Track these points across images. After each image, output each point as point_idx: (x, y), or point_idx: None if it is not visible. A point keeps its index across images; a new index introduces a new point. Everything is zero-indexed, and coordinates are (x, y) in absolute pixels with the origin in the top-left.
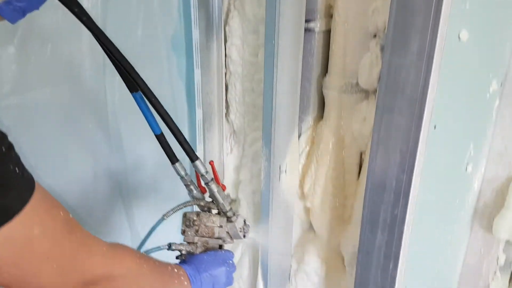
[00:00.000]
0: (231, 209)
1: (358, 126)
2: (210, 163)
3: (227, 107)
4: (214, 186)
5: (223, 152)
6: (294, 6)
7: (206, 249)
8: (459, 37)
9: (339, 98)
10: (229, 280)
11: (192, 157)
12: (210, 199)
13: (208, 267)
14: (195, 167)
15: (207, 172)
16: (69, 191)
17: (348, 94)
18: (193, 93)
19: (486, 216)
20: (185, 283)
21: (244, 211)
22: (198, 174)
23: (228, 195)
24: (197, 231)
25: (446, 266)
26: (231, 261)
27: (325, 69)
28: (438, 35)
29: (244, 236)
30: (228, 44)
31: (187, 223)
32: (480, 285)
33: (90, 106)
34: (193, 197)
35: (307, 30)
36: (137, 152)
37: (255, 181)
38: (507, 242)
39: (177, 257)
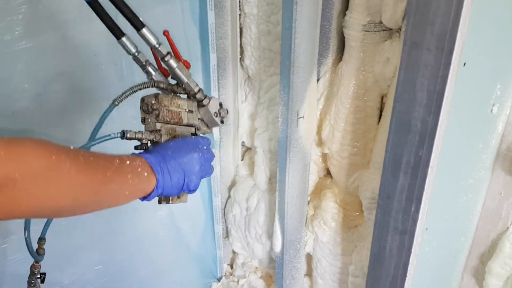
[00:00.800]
0: (200, 90)
1: (380, 67)
2: (164, 33)
3: (242, 51)
4: (172, 62)
5: (238, 99)
6: None
7: (174, 137)
8: None
9: (361, 38)
10: (205, 169)
11: (136, 24)
12: (174, 82)
13: (176, 153)
14: (143, 37)
15: (160, 44)
16: None
17: (370, 33)
18: (206, 36)
19: (509, 159)
20: (145, 173)
21: (261, 158)
22: (157, 57)
23: (190, 75)
24: (157, 116)
25: (466, 209)
26: (205, 147)
27: (345, 7)
28: None
29: (222, 122)
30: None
31: (145, 108)
32: (499, 227)
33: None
34: (154, 80)
35: None
36: None
37: (271, 128)
38: None
39: (136, 147)
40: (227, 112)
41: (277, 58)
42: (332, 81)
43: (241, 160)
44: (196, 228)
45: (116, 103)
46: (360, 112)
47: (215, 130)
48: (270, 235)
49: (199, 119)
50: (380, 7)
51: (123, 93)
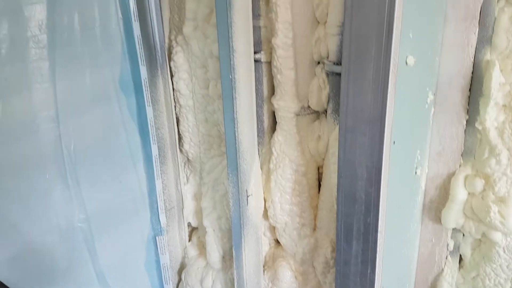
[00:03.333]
0: None
1: (313, 144)
2: None
3: (180, 138)
4: None
5: (180, 182)
6: (245, 41)
7: None
8: (406, 62)
9: (295, 121)
10: None
11: None
12: None
13: None
14: None
15: None
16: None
17: (301, 117)
18: (147, 130)
19: (433, 210)
20: None
21: (212, 238)
22: None
23: None
24: None
25: (407, 259)
26: None
27: (271, 93)
28: (391, 62)
29: None
30: (175, 78)
31: None
32: (435, 270)
33: (46, 159)
34: None
35: (255, 61)
36: (97, 197)
37: (219, 207)
38: (454, 229)
39: None
40: None
41: (216, 142)
42: (270, 159)
43: (189, 241)
44: None
45: None
46: (301, 185)
47: (161, 216)
48: None
49: None
50: (306, 93)
51: None
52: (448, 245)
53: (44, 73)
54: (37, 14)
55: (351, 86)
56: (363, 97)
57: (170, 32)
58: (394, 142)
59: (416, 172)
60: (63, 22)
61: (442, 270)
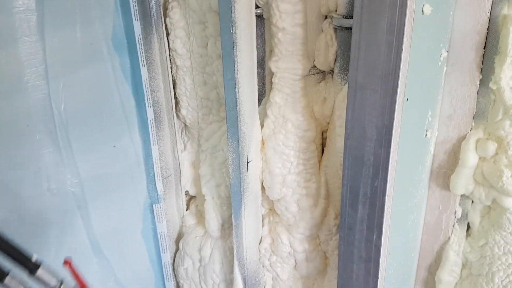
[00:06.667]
0: None
1: (319, 106)
2: (66, 263)
3: (177, 102)
4: None
5: (177, 149)
6: None
7: None
8: (422, 11)
9: (302, 83)
10: None
11: (30, 266)
12: None
13: None
14: (39, 279)
15: (62, 282)
16: (24, 208)
17: (306, 77)
18: (141, 92)
19: (441, 175)
20: None
21: (211, 206)
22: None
23: None
24: None
25: (413, 227)
26: None
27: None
28: (407, 10)
29: None
30: (171, 37)
31: None
32: (441, 239)
33: (36, 119)
34: None
35: (256, 16)
36: (90, 162)
37: (218, 175)
38: (462, 196)
39: None
40: None
41: (215, 106)
42: (265, 123)
43: (187, 210)
44: None
45: None
46: (308, 152)
47: (158, 183)
48: (229, 283)
49: None
50: (312, 52)
51: None
52: (456, 212)
53: (31, 26)
54: None
55: (363, 38)
56: (376, 49)
57: None
58: (407, 100)
59: (426, 135)
60: None
61: (449, 238)
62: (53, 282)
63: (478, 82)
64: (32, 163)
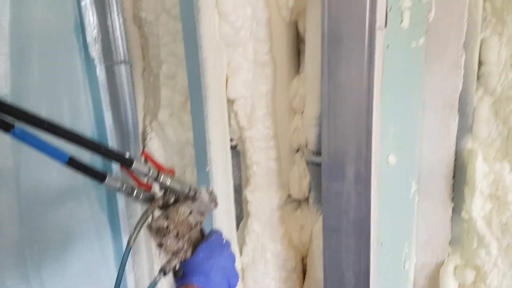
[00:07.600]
0: (189, 187)
1: (297, 235)
2: (143, 154)
3: None
4: (165, 178)
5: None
6: (220, 129)
7: (194, 246)
8: (387, 161)
9: (279, 212)
10: (234, 263)
11: (127, 163)
12: (160, 192)
13: (211, 262)
14: (135, 171)
15: (150, 169)
16: None
17: (283, 206)
18: (117, 222)
19: None
20: None
21: None
22: (133, 175)
23: (179, 178)
24: (176, 234)
25: None
26: (224, 241)
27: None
28: (372, 163)
29: (216, 205)
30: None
31: (159, 233)
32: None
33: None
34: (144, 200)
35: (232, 148)
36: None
37: None
38: None
39: (175, 275)
40: (215, 194)
41: None
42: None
43: None
44: None
45: (131, 245)
46: (290, 282)
47: None
48: None
49: (197, 213)
50: (287, 182)
51: (134, 231)
52: None
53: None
54: None
55: (332, 188)
56: (346, 198)
57: (144, 117)
58: (381, 244)
59: (404, 267)
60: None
61: None
62: (145, 169)
63: (451, 210)
64: None
